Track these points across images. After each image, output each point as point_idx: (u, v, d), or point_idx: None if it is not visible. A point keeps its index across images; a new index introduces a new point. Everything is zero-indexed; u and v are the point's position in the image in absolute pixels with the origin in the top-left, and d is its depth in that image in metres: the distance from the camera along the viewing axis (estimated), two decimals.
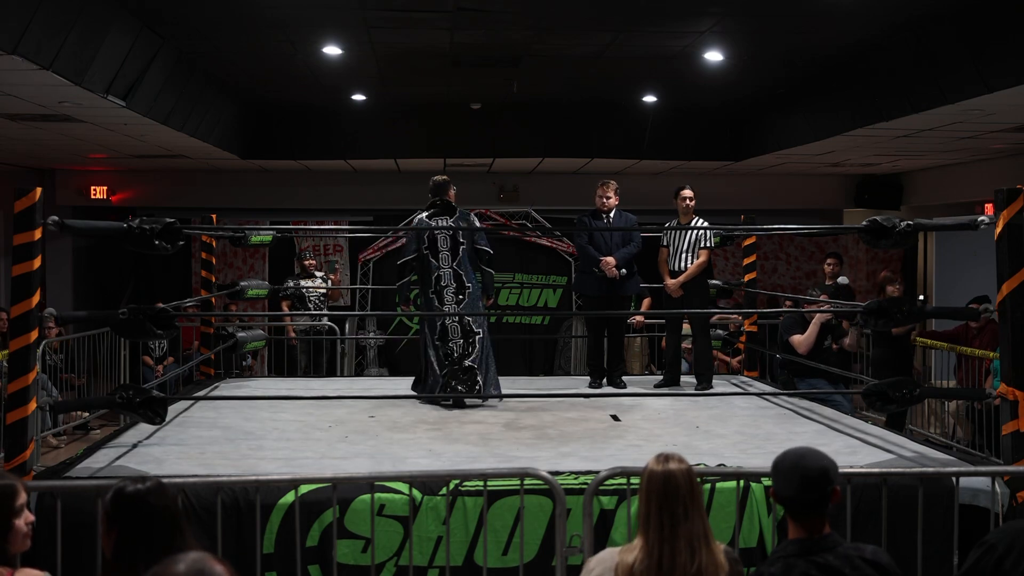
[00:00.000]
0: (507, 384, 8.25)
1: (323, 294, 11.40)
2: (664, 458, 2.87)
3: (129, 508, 2.71)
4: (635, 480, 4.10)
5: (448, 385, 7.09)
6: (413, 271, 7.40)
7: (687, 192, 7.90)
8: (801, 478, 2.83)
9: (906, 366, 8.43)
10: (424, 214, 7.43)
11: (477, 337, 7.26)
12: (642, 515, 2.83)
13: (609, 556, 2.87)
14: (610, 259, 7.73)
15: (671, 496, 2.79)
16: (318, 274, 11.46)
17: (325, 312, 11.56)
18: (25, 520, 2.87)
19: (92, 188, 14.10)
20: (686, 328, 8.50)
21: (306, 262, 11.41)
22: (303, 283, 10.95)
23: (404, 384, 7.86)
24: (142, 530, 2.69)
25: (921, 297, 11.58)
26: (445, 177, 7.50)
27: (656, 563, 2.75)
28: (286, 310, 11.13)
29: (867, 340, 10.17)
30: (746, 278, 8.57)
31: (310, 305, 11.09)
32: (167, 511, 2.73)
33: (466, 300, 7.33)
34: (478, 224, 8.32)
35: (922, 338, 9.94)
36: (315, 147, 12.64)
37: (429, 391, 7.18)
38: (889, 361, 8.03)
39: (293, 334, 10.94)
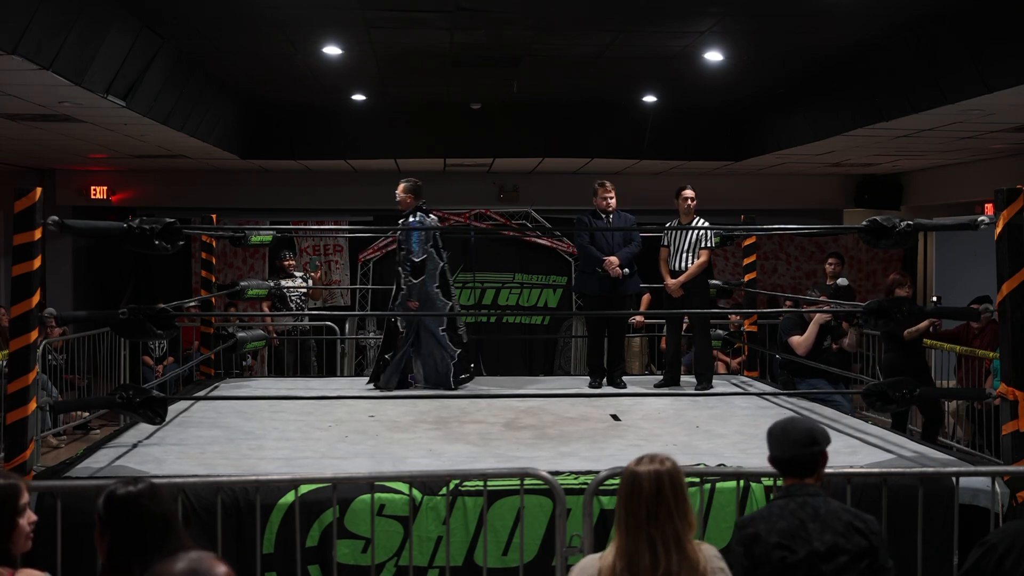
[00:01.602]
0: (507, 384, 8.28)
1: (304, 293, 11.33)
2: (639, 459, 2.86)
3: (121, 511, 2.71)
4: None
5: (464, 368, 7.74)
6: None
7: (688, 192, 7.90)
8: (787, 440, 3.13)
9: (919, 370, 8.20)
10: (421, 214, 7.69)
11: None
12: (615, 516, 2.86)
13: (590, 563, 2.87)
14: (613, 259, 7.74)
15: (634, 498, 2.78)
16: (297, 274, 11.36)
17: (325, 312, 11.52)
18: (28, 520, 2.87)
19: (92, 188, 14.10)
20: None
21: (285, 262, 11.23)
22: (283, 283, 10.80)
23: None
24: (135, 532, 2.68)
25: (935, 299, 11.48)
26: None
27: (627, 565, 2.75)
28: (266, 310, 11.04)
29: (876, 343, 10.15)
30: (746, 278, 8.57)
31: (291, 305, 10.99)
32: (160, 513, 2.73)
33: None
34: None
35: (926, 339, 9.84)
36: (315, 147, 12.64)
37: (443, 378, 7.63)
38: (901, 365, 7.79)
39: (274, 334, 10.84)
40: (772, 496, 4.55)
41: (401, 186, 7.78)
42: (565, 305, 13.69)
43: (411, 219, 7.66)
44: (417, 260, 7.53)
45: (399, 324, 7.65)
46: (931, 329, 8.84)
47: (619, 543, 2.79)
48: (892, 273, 8.55)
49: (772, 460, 3.17)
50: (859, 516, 3.07)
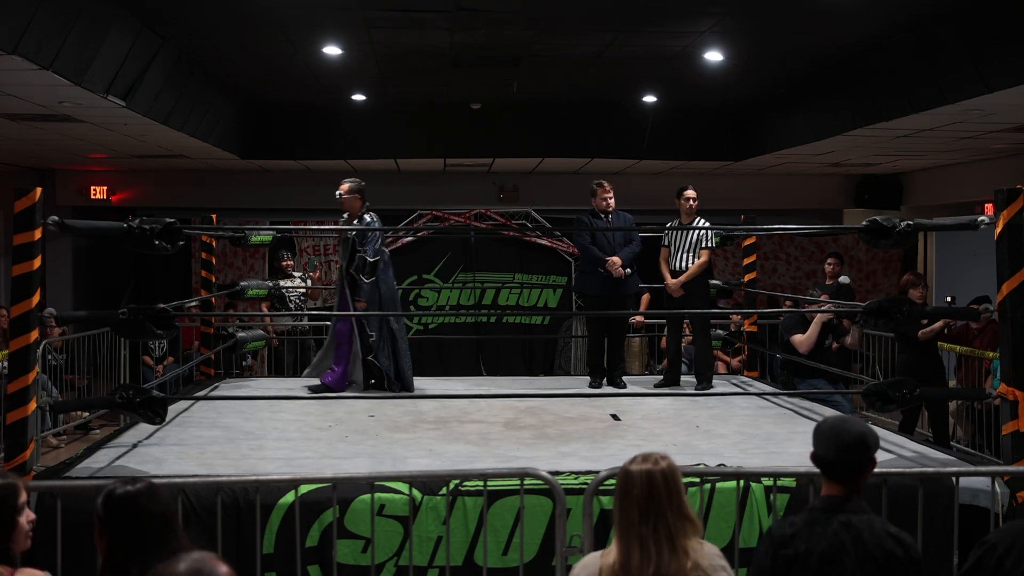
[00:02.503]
0: (507, 384, 8.28)
1: (303, 294, 11.33)
2: (633, 459, 2.85)
3: (119, 510, 2.71)
4: None
5: None
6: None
7: (691, 192, 7.90)
8: (838, 441, 2.91)
9: (934, 371, 8.07)
10: (375, 213, 7.72)
11: None
12: (613, 515, 2.87)
13: (592, 562, 2.87)
14: (616, 259, 7.74)
15: (627, 498, 2.79)
16: (296, 274, 11.35)
17: (325, 312, 11.49)
18: (26, 519, 2.87)
19: (92, 188, 14.10)
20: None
21: (283, 263, 11.19)
22: (282, 283, 10.79)
23: None
24: (133, 532, 2.68)
25: (948, 299, 11.47)
26: None
27: (623, 564, 2.76)
28: (265, 311, 11.03)
29: (877, 343, 10.14)
30: (746, 278, 8.57)
31: (291, 305, 10.99)
32: (159, 512, 2.73)
33: None
34: None
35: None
36: (315, 147, 12.64)
37: (406, 379, 7.57)
38: (914, 366, 7.73)
39: (274, 335, 10.83)
40: (773, 496, 4.55)
41: (346, 186, 7.60)
42: (565, 305, 13.68)
43: (367, 218, 7.58)
44: (371, 260, 7.46)
45: (367, 327, 7.44)
46: (945, 331, 8.76)
47: (616, 542, 2.81)
48: (907, 274, 8.52)
49: (816, 459, 2.97)
50: (901, 542, 2.86)
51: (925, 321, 7.81)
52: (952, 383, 9.75)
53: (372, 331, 7.46)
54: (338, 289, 7.80)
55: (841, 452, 2.90)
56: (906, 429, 7.73)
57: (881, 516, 2.97)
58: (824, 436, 2.96)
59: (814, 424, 6.52)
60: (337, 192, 7.66)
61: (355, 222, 7.62)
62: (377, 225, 7.68)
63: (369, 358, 7.51)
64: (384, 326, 7.50)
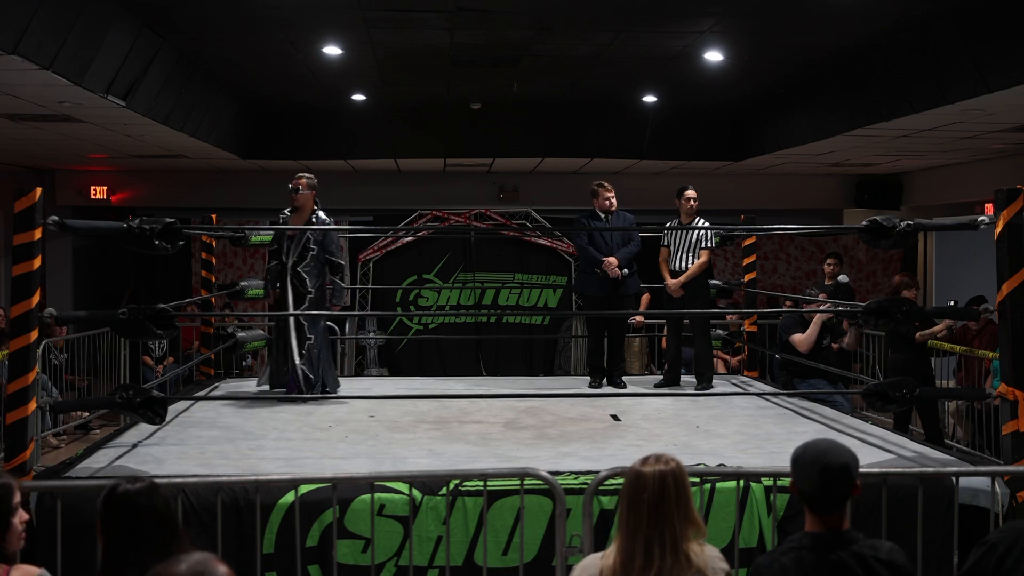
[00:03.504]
0: (507, 384, 8.27)
1: None
2: (644, 459, 2.84)
3: (119, 509, 2.71)
4: None
5: None
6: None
7: (692, 192, 7.90)
8: (821, 475, 2.75)
9: (926, 372, 8.15)
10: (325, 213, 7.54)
11: None
12: (617, 515, 2.85)
13: (592, 563, 2.86)
14: (612, 259, 7.74)
15: (637, 498, 2.77)
16: None
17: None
18: (20, 519, 2.87)
19: (92, 188, 14.11)
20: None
21: None
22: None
23: (404, 384, 7.87)
24: (133, 531, 2.68)
25: (952, 303, 11.47)
26: None
27: (623, 565, 2.75)
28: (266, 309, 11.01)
29: (877, 343, 10.13)
30: (746, 278, 8.57)
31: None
32: (159, 512, 2.73)
33: None
34: None
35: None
36: (315, 147, 12.64)
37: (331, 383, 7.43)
38: (907, 366, 7.75)
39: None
40: (773, 496, 4.55)
41: (304, 181, 7.38)
42: (565, 305, 13.67)
43: (323, 217, 7.41)
44: (341, 262, 7.40)
45: (306, 328, 7.25)
46: (940, 334, 8.73)
47: (619, 542, 2.79)
48: (899, 275, 8.51)
49: (800, 494, 2.81)
50: (892, 563, 2.74)
51: (917, 324, 7.83)
52: (951, 383, 9.75)
53: (311, 334, 7.27)
54: (282, 288, 7.42)
55: (828, 486, 2.75)
56: (900, 427, 7.74)
57: (870, 540, 2.80)
58: (806, 470, 2.78)
59: (814, 424, 6.55)
60: (294, 185, 7.37)
61: (311, 219, 7.35)
62: (331, 225, 7.55)
63: (299, 363, 7.19)
64: (322, 335, 7.38)
